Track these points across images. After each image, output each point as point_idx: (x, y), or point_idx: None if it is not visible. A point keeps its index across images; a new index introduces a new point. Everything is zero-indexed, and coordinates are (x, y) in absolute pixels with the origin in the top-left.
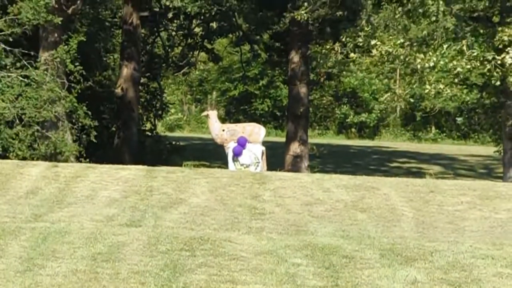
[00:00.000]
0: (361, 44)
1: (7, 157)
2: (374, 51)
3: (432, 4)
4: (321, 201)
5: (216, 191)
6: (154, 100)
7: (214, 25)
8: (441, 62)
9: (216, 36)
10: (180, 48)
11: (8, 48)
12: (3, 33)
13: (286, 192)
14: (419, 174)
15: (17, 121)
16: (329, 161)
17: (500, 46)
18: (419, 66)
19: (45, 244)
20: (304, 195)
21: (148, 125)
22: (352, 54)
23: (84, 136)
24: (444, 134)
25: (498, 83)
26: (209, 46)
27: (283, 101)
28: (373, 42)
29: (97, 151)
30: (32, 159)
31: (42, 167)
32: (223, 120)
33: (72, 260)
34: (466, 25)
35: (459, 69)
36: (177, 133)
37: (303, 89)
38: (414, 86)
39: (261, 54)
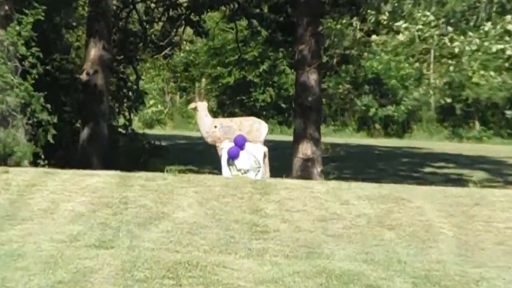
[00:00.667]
0: (385, 22)
1: None
2: (400, 36)
3: None
4: (339, 216)
5: (207, 204)
6: (128, 89)
7: None
8: (485, 44)
9: (205, 8)
10: (161, 24)
11: None
12: None
13: (294, 204)
14: (460, 182)
15: None
16: (348, 165)
17: None
18: (457, 50)
19: None
20: (317, 209)
21: (122, 120)
22: (374, 37)
23: (41, 133)
24: (491, 131)
25: None
26: (195, 20)
27: (290, 90)
28: (400, 23)
29: (57, 153)
30: None
31: None
32: (215, 114)
33: None
34: None
35: (509, 52)
36: (157, 130)
37: (313, 75)
38: (453, 73)
39: (261, 32)
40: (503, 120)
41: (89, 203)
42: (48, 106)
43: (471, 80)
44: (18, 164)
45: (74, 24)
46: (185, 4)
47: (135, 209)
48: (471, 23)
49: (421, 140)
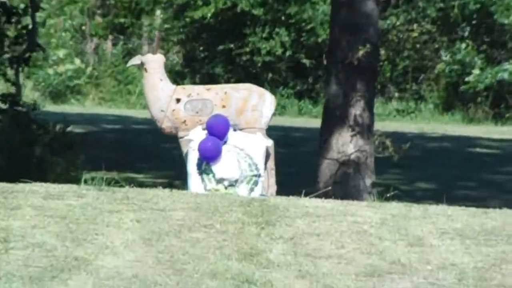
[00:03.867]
0: None
1: None
2: None
3: None
4: (404, 268)
5: (159, 242)
6: (16, 26)
7: None
8: None
9: None
10: None
11: None
12: None
13: (320, 245)
14: None
15: None
16: (424, 173)
17: None
18: None
19: None
20: (364, 253)
21: (2, 85)
22: None
23: None
24: None
25: None
26: None
27: (319, 32)
28: None
29: None
30: None
31: None
32: (177, 77)
33: None
34: None
35: None
36: (71, 106)
37: (368, 3)
38: None
39: None
40: None
41: None
42: None
43: None
44: None
45: None
46: None
47: (26, 251)
48: None
49: None
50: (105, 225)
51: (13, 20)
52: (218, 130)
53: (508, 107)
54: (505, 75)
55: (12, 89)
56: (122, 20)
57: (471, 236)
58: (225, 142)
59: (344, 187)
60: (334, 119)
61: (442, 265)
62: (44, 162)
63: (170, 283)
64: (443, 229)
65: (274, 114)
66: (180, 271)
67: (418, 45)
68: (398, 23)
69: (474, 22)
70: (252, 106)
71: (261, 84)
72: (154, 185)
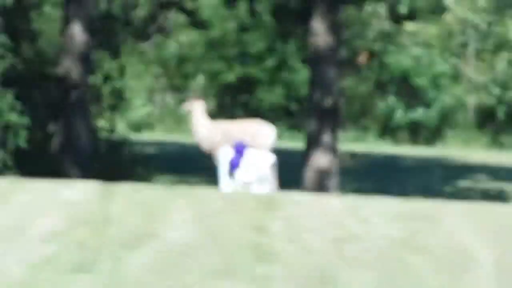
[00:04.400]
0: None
1: None
2: (448, 16)
3: None
4: (357, 237)
5: (203, 221)
6: (111, 87)
7: None
8: None
9: None
10: (148, 7)
11: None
12: None
13: (305, 222)
14: (502, 198)
15: None
16: (369, 177)
17: None
18: None
19: None
20: (332, 228)
21: (103, 123)
22: (406, 25)
23: (9, 138)
24: None
25: None
26: (189, 7)
27: (301, 90)
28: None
29: (29, 160)
30: None
31: None
32: (212, 116)
33: None
34: None
35: None
36: (146, 135)
37: (330, 73)
38: (500, 69)
39: (264, 19)
40: None
41: (65, 219)
42: (18, 105)
43: None
44: None
45: (46, 8)
46: None
47: (119, 226)
48: None
49: (455, 149)
50: (169, 209)
51: (111, 81)
52: (241, 149)
53: None
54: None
55: (109, 126)
56: (177, 81)
57: (395, 216)
58: (244, 157)
59: (319, 186)
60: (313, 143)
61: (379, 234)
62: (132, 171)
63: (209, 247)
64: (381, 213)
65: (274, 140)
66: (215, 240)
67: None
68: (352, 83)
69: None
70: (261, 133)
71: (265, 120)
72: (199, 185)
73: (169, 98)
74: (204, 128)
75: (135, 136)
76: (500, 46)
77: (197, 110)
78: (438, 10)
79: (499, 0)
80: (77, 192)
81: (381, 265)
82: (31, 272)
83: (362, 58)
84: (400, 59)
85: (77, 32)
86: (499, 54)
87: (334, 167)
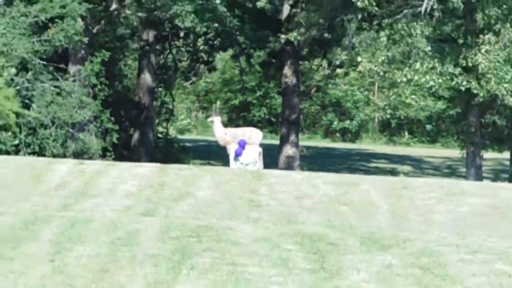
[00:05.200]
0: (345, 60)
1: (44, 155)
2: (360, 67)
3: (409, 28)
4: (310, 196)
5: (220, 186)
6: (166, 108)
7: (217, 42)
8: (416, 77)
9: (217, 51)
10: (187, 61)
11: (42, 63)
12: (39, 52)
13: (279, 187)
14: (394, 173)
15: (50, 123)
16: (317, 161)
17: (464, 65)
18: (399, 80)
19: (72, 230)
20: (295, 190)
21: (161, 129)
22: (338, 70)
23: (107, 137)
24: (416, 139)
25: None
26: (210, 59)
27: (278, 109)
28: (359, 59)
29: (117, 151)
30: (64, 156)
31: (70, 164)
32: (225, 125)
33: (95, 244)
34: (436, 45)
35: (432, 83)
36: (186, 136)
37: (295, 99)
38: (392, 98)
39: (255, 67)
40: (424, 132)
41: (138, 185)
42: (112, 118)
43: (405, 102)
44: (90, 158)
45: (130, 62)
46: (203, 48)
47: (170, 189)
48: (407, 64)
49: (367, 145)
50: (198, 179)
51: (166, 105)
52: (242, 144)
53: None
54: None
55: (164, 130)
56: (205, 104)
57: (333, 183)
58: (244, 149)
59: (288, 167)
60: (284, 141)
61: (323, 193)
62: (178, 157)
63: (223, 201)
64: (325, 181)
65: (261, 139)
66: (227, 197)
67: (314, 114)
68: (307, 105)
69: None
70: (254, 135)
71: (256, 127)
72: (217, 165)
73: (200, 114)
74: (220, 132)
75: (180, 137)
76: (392, 84)
77: (216, 121)
78: (355, 63)
79: (390, 58)
80: (145, 169)
81: (324, 212)
82: (118, 215)
83: (312, 91)
84: (335, 91)
85: (146, 75)
86: (391, 90)
87: (296, 155)
